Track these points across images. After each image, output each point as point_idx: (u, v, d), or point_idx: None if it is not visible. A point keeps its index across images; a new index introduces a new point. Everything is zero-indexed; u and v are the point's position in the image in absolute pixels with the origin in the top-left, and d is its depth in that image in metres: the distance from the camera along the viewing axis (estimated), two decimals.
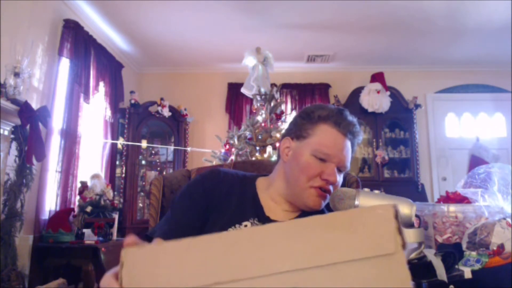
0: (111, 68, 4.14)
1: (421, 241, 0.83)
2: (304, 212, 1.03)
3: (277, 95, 3.91)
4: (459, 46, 4.55)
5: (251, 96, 3.95)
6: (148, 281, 0.45)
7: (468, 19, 3.89)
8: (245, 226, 0.96)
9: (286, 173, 1.01)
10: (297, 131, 1.01)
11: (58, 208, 3.15)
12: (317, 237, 0.45)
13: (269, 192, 1.03)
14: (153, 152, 4.79)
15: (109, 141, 4.13)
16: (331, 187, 0.95)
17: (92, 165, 3.89)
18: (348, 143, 0.98)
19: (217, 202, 0.99)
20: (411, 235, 0.82)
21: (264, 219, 0.99)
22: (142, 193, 4.55)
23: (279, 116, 3.91)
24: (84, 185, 3.42)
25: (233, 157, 3.26)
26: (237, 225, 0.96)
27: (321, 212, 1.02)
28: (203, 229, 0.96)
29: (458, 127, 5.19)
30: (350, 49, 4.67)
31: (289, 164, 1.00)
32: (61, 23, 3.34)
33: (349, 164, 0.98)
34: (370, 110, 4.76)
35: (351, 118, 0.99)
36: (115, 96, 4.18)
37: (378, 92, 4.74)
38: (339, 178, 0.98)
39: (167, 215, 1.01)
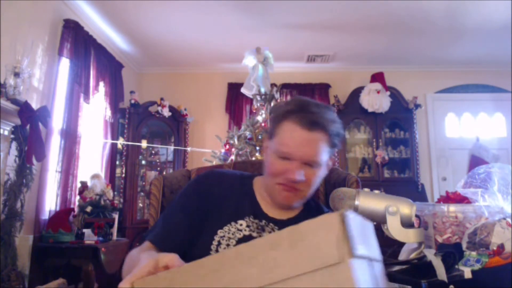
0: (111, 68, 4.14)
1: (421, 241, 0.83)
2: (304, 210, 1.03)
3: (277, 95, 3.90)
4: (459, 46, 4.55)
5: (251, 96, 3.95)
6: None
7: (468, 19, 3.89)
8: (241, 224, 0.98)
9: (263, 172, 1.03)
10: (269, 131, 1.02)
11: (58, 208, 3.15)
12: (267, 257, 0.45)
13: (261, 192, 1.05)
14: (153, 152, 4.79)
15: (109, 141, 4.13)
16: (300, 185, 0.94)
17: (92, 165, 3.89)
18: (314, 136, 0.93)
19: (213, 203, 1.00)
20: (411, 235, 0.82)
21: (261, 216, 1.01)
22: (142, 193, 4.55)
23: None
24: (84, 185, 3.42)
25: (233, 157, 3.26)
26: (233, 223, 0.97)
27: (319, 212, 1.02)
28: (201, 230, 0.97)
29: (458, 127, 5.19)
30: (350, 49, 4.67)
31: (264, 163, 1.03)
32: (61, 23, 3.34)
33: (319, 158, 0.94)
34: (370, 110, 4.76)
35: (316, 109, 0.94)
36: (115, 96, 4.18)
37: (378, 92, 4.74)
38: (314, 174, 0.94)
39: (160, 218, 1.02)
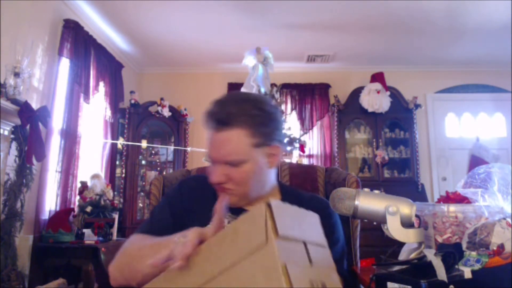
0: (111, 68, 4.14)
1: (421, 241, 0.83)
2: (284, 201, 1.06)
3: (277, 95, 3.91)
4: (459, 46, 4.55)
5: None
6: None
7: (468, 19, 3.89)
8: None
9: None
10: None
11: (58, 208, 3.15)
12: (217, 251, 0.55)
13: None
14: (153, 152, 4.79)
15: (109, 141, 4.13)
16: (228, 185, 0.95)
17: (92, 165, 3.89)
18: (224, 135, 0.91)
19: (194, 206, 1.03)
20: (411, 235, 0.82)
21: (240, 211, 1.02)
22: (142, 193, 4.55)
23: None
24: (84, 185, 3.42)
25: None
26: None
27: (299, 199, 1.02)
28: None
29: (458, 127, 5.19)
30: (350, 49, 4.67)
31: None
32: (61, 23, 3.34)
33: (236, 157, 0.91)
34: (370, 110, 4.76)
35: (223, 107, 0.92)
36: (115, 96, 4.18)
37: (378, 92, 4.74)
38: (240, 172, 0.93)
39: (146, 219, 1.06)
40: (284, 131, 3.99)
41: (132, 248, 0.87)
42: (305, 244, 0.55)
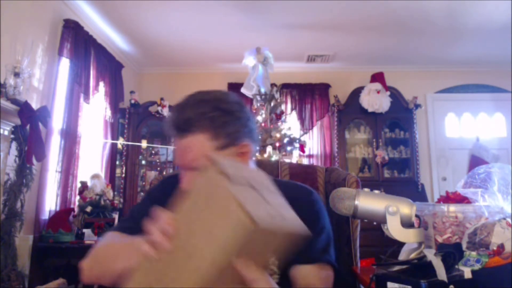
0: (111, 68, 4.13)
1: (421, 241, 0.83)
2: None
3: (277, 95, 3.91)
4: (459, 46, 4.55)
5: (251, 96, 3.96)
6: None
7: (468, 19, 3.89)
8: None
9: None
10: None
11: (58, 208, 3.15)
12: (182, 216, 0.61)
13: None
14: (153, 152, 4.79)
15: (109, 141, 4.13)
16: None
17: (92, 165, 3.89)
18: (185, 141, 0.87)
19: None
20: (411, 235, 0.82)
21: None
22: (142, 193, 4.55)
23: (279, 116, 3.91)
24: (84, 185, 3.42)
25: None
26: None
27: (305, 198, 1.01)
28: None
29: (458, 127, 5.19)
30: (350, 49, 4.67)
31: None
32: (61, 23, 3.34)
33: (196, 162, 0.86)
34: (370, 110, 4.76)
35: (180, 111, 0.89)
36: (115, 96, 4.18)
37: (378, 92, 4.74)
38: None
39: (125, 217, 1.05)
40: (284, 129, 3.99)
41: (104, 246, 0.85)
42: (257, 189, 0.61)
